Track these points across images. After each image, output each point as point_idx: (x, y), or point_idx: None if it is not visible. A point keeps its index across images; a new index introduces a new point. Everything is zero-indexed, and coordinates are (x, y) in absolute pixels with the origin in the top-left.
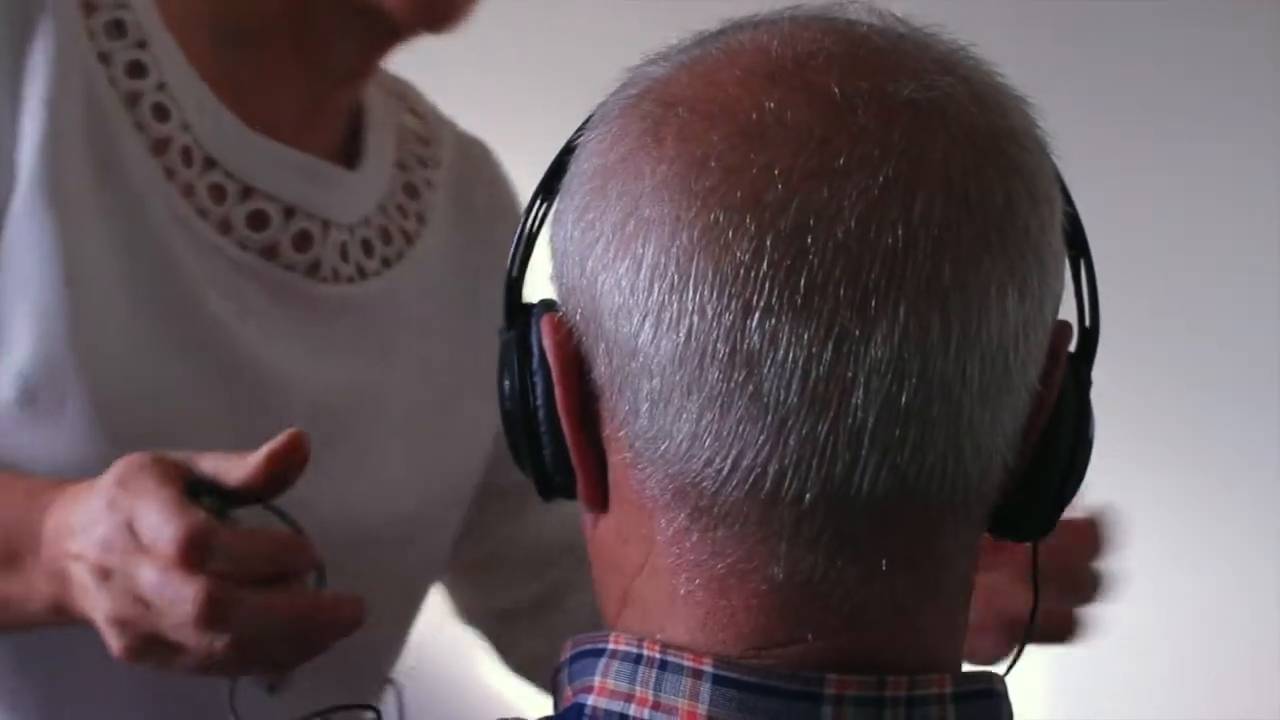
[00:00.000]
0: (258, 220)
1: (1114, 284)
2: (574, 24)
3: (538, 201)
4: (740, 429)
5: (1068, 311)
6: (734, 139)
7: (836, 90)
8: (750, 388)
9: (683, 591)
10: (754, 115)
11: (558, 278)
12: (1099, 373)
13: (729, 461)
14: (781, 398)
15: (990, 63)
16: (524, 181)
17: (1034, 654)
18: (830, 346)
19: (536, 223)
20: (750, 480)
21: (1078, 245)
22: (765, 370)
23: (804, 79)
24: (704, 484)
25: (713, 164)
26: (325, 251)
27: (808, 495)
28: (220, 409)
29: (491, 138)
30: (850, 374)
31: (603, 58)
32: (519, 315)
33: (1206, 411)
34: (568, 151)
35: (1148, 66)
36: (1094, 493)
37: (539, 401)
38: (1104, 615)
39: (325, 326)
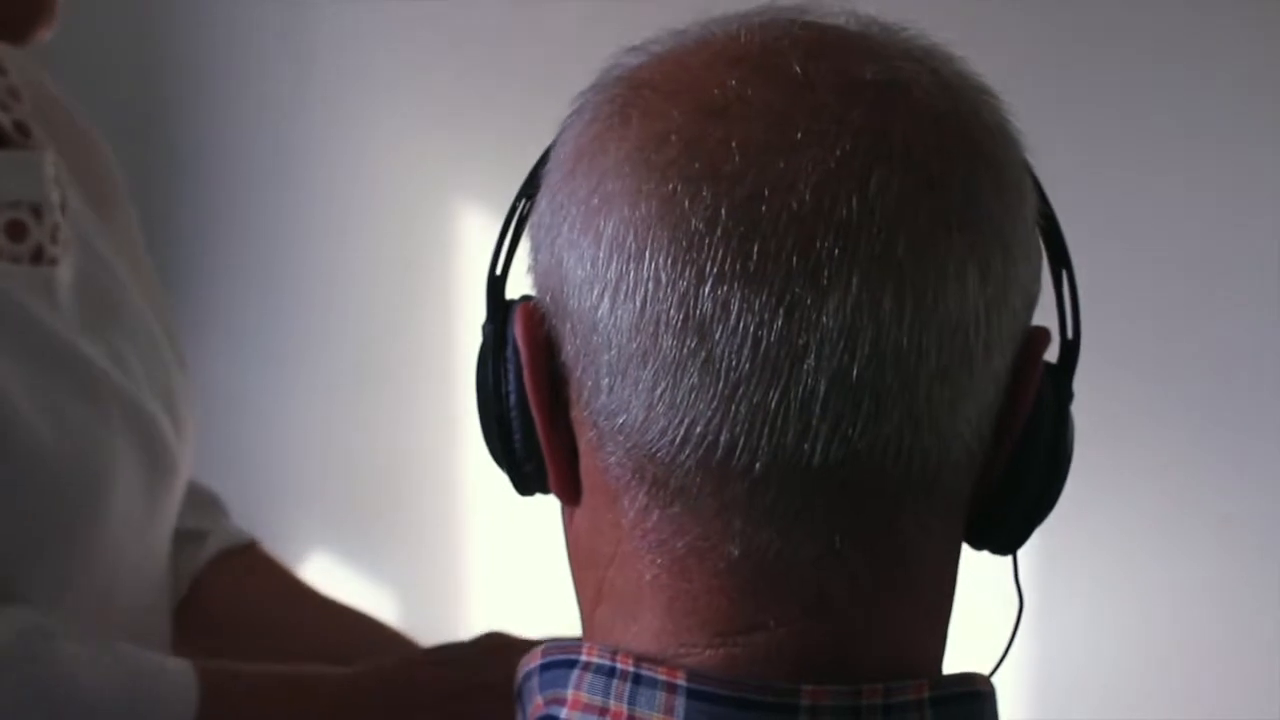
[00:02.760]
0: (16, 230)
1: (1106, 295)
2: (563, 28)
3: (520, 202)
4: (692, 396)
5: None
6: (695, 115)
7: (798, 69)
8: (702, 354)
9: (648, 577)
10: (715, 92)
11: (533, 266)
12: (1084, 383)
13: (682, 430)
14: (733, 364)
15: (965, 59)
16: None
17: (1016, 657)
18: (781, 314)
19: (519, 222)
20: (703, 449)
21: (1057, 252)
22: (717, 337)
23: (767, 60)
24: (659, 454)
25: (673, 138)
26: (43, 236)
27: (758, 464)
28: (103, 435)
29: (482, 139)
30: (802, 342)
31: (590, 61)
32: (500, 312)
33: (1196, 420)
34: (551, 147)
35: (1144, 69)
36: (1075, 502)
37: (510, 387)
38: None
39: (99, 317)
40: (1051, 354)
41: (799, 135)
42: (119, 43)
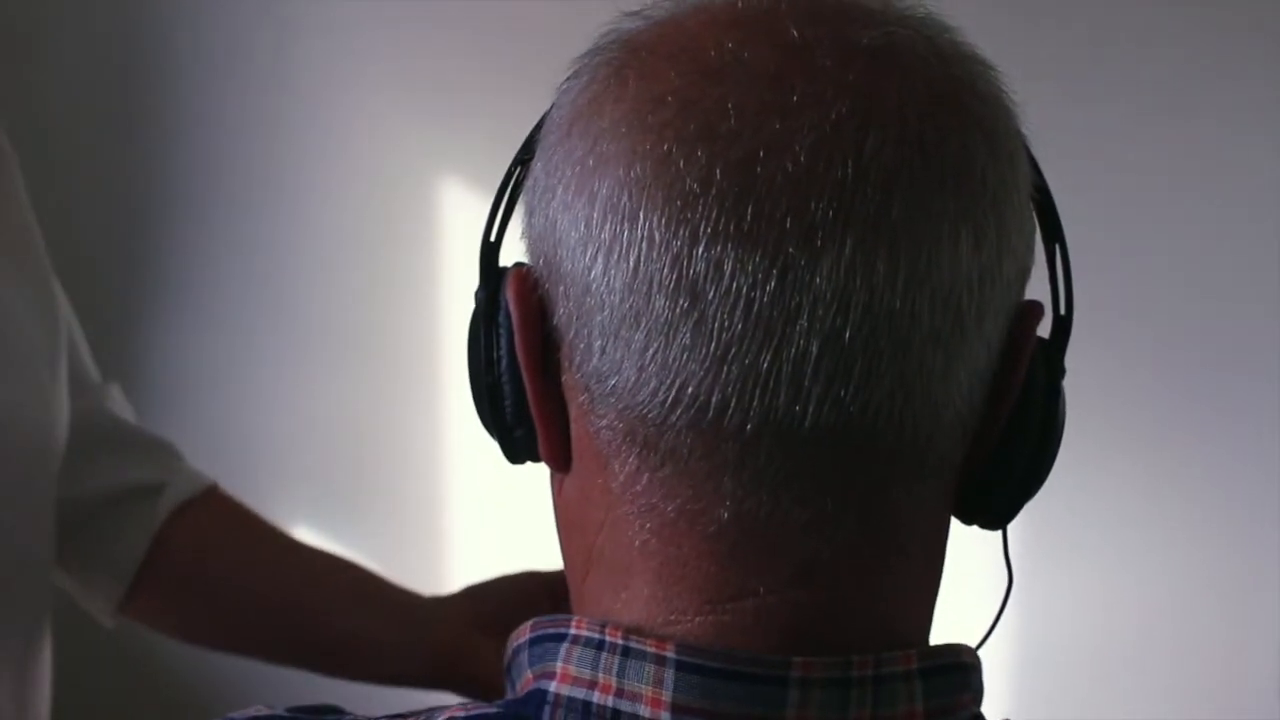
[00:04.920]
0: None
1: (1101, 278)
2: (547, 7)
3: (515, 169)
4: (684, 357)
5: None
6: (692, 76)
7: (795, 33)
8: (695, 315)
9: (638, 543)
10: (712, 54)
11: (527, 230)
12: (1075, 365)
13: (674, 391)
14: (725, 325)
15: (961, 31)
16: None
17: (1000, 632)
18: (775, 275)
19: (513, 189)
20: (694, 409)
21: (1051, 226)
22: (710, 297)
23: (765, 24)
24: (650, 415)
25: (670, 99)
26: None
27: (749, 425)
28: None
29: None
30: (795, 303)
31: (573, 39)
32: (493, 278)
33: (1187, 401)
34: (547, 112)
35: (1146, 57)
36: (1063, 482)
37: (501, 351)
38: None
39: None
40: (1044, 331)
41: (795, 98)
42: (97, 22)
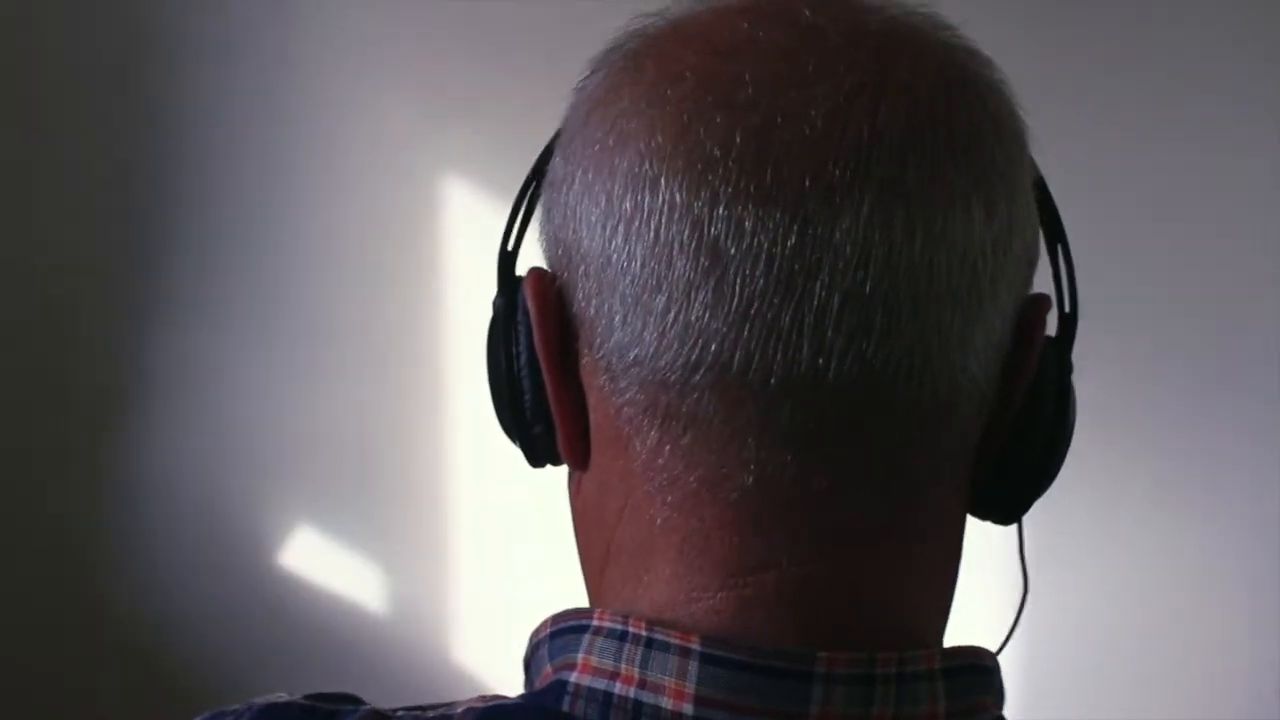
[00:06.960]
0: None
1: (1105, 282)
2: (548, 7)
3: (531, 184)
4: (706, 316)
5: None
6: (707, 54)
7: (807, 13)
8: (716, 273)
9: (659, 521)
10: (727, 34)
11: (545, 227)
12: (1096, 375)
13: (696, 352)
14: (747, 280)
15: (961, 29)
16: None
17: (1011, 649)
18: (795, 231)
19: (530, 201)
20: (716, 369)
21: (1052, 224)
22: (731, 254)
23: (777, 10)
24: (672, 378)
25: (687, 75)
26: None
27: (772, 380)
28: None
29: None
30: (816, 258)
31: (576, 38)
32: (511, 285)
33: (1202, 409)
34: (565, 117)
35: (1146, 56)
36: (1073, 488)
37: (520, 347)
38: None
39: None
40: (1050, 331)
41: (810, 69)
42: (99, 22)
